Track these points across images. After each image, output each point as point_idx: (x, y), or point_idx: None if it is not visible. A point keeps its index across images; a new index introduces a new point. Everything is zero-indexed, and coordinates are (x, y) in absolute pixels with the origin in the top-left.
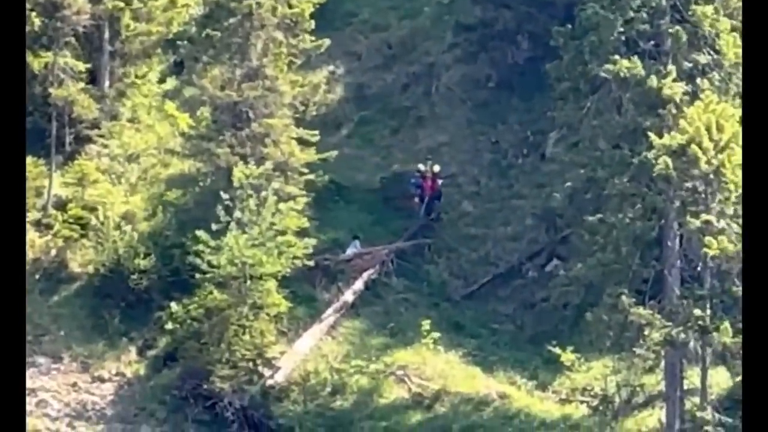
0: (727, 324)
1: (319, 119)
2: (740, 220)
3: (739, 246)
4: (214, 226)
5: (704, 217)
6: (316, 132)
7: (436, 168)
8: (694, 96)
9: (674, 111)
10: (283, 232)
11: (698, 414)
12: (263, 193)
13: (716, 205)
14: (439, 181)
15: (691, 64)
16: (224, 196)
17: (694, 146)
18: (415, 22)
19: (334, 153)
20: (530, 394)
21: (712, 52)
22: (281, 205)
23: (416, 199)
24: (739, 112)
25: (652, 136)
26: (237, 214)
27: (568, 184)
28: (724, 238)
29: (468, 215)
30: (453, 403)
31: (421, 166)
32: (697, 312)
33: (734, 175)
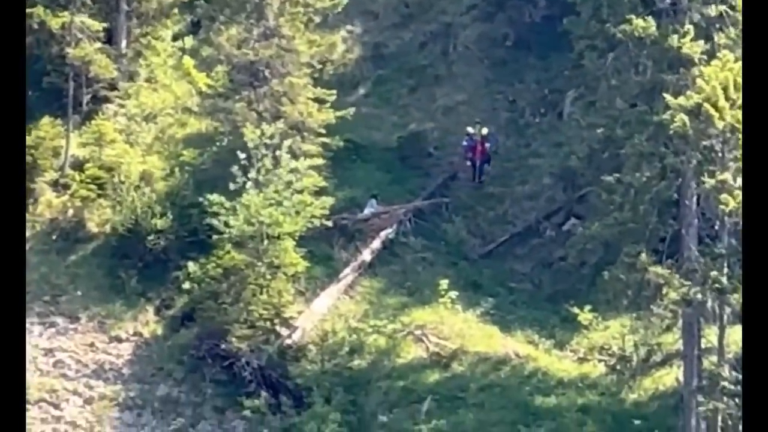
0: None
1: (336, 78)
2: None
3: None
4: (231, 186)
5: (720, 176)
6: (334, 91)
7: (484, 131)
8: (711, 54)
9: (693, 70)
10: (300, 192)
11: (716, 372)
12: (278, 152)
13: (732, 163)
14: (487, 145)
15: (707, 22)
16: (240, 155)
17: (708, 105)
18: None
19: (352, 110)
20: (548, 353)
21: (728, 9)
22: (298, 165)
23: (468, 163)
24: None
25: (667, 96)
26: (252, 173)
27: (586, 143)
28: (740, 195)
29: (485, 174)
30: (471, 363)
31: (470, 129)
32: (715, 271)
33: None
